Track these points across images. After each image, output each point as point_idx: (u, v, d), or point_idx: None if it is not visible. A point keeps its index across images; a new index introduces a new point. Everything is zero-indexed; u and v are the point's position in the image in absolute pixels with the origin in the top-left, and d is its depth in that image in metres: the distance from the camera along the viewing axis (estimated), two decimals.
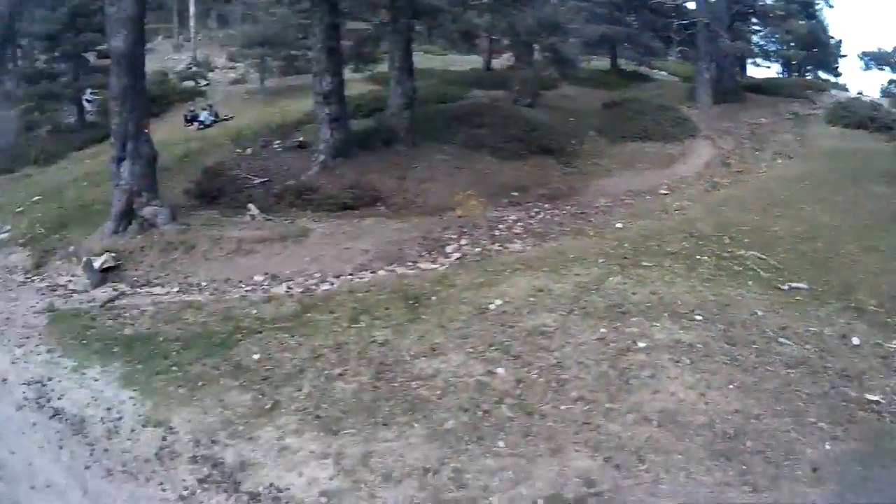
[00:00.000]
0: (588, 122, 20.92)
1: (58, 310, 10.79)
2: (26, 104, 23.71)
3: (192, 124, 22.65)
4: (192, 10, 32.79)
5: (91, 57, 25.20)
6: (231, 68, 30.63)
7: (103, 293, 11.18)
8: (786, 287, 10.21)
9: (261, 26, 25.75)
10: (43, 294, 11.61)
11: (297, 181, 15.32)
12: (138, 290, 11.28)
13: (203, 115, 22.48)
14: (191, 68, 29.73)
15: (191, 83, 27.55)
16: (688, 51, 28.59)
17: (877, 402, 7.47)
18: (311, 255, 11.99)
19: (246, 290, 10.99)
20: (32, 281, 12.43)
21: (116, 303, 10.76)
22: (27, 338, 9.98)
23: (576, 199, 15.78)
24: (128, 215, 12.68)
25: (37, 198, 16.30)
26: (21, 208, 15.96)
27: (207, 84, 27.98)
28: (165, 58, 31.22)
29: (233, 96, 25.63)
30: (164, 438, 7.48)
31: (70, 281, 11.88)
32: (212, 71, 30.07)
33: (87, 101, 24.69)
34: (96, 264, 11.61)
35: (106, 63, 25.26)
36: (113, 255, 11.92)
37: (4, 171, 20.43)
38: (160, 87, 25.85)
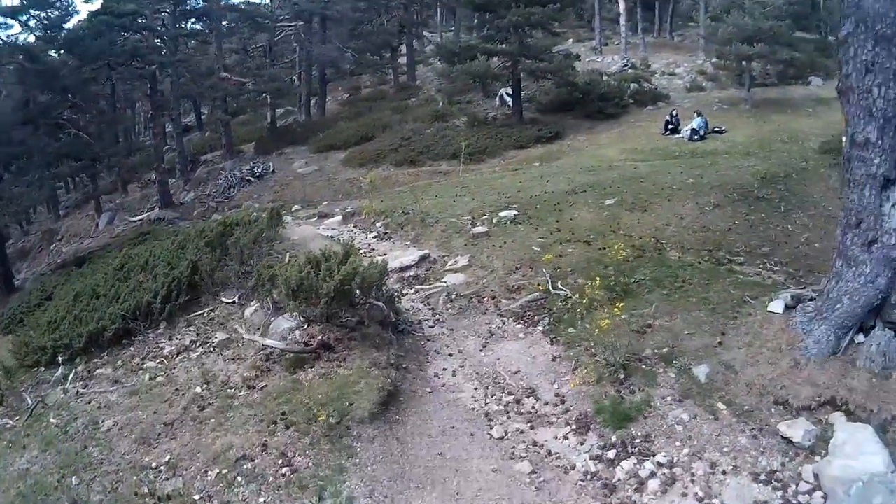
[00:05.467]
0: None
1: None
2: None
3: (673, 133, 17.59)
4: (622, 8, 28.68)
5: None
6: (672, 74, 25.58)
7: None
8: None
9: (749, 21, 20.05)
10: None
11: None
12: None
13: (697, 122, 17.06)
14: (626, 69, 25.23)
15: (635, 86, 22.80)
16: None
17: None
18: None
19: None
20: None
21: None
22: None
23: None
24: (870, 317, 5.46)
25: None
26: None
27: (654, 88, 23.09)
28: (587, 60, 27.30)
29: (705, 105, 19.90)
30: None
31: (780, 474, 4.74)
32: (652, 75, 25.16)
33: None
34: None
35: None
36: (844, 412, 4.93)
37: None
38: (601, 86, 21.82)
